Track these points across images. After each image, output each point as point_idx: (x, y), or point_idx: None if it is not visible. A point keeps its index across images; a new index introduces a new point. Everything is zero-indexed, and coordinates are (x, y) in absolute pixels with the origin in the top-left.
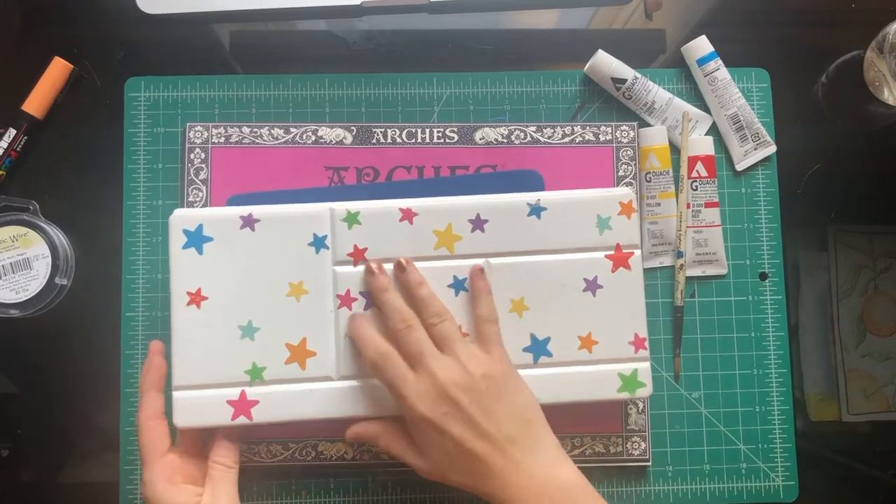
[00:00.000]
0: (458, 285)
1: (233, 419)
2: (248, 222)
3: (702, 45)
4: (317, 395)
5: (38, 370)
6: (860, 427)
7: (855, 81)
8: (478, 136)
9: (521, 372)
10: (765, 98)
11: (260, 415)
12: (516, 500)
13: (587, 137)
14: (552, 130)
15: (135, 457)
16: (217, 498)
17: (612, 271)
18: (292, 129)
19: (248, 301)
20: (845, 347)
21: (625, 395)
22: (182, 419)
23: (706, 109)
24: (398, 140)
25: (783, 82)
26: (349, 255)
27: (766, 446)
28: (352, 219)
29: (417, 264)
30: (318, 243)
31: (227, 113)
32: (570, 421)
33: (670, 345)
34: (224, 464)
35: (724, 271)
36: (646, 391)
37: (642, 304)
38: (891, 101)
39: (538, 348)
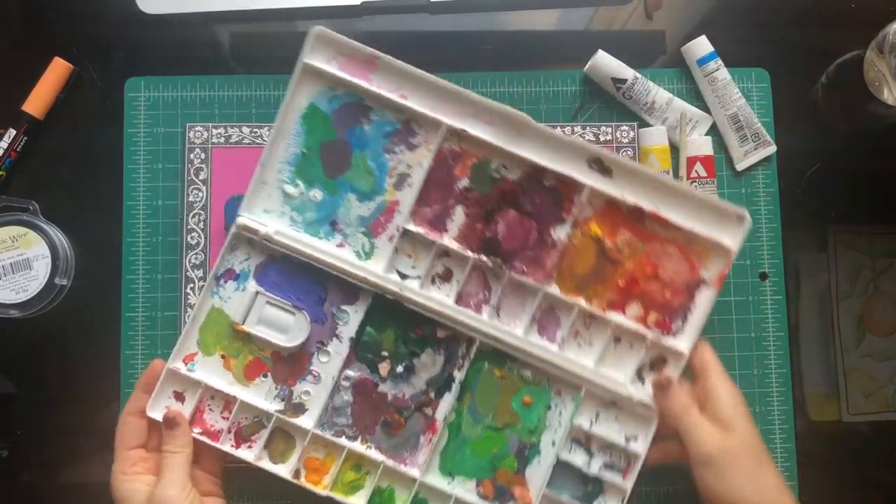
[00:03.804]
0: None
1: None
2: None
3: (702, 46)
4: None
5: (38, 370)
6: (860, 427)
7: (855, 81)
8: None
9: None
10: (765, 98)
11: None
12: None
13: (587, 138)
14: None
15: None
16: (165, 484)
17: None
18: None
19: None
20: (845, 348)
21: None
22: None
23: (706, 109)
24: None
25: (783, 82)
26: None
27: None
28: None
29: None
30: None
31: (227, 113)
32: None
33: None
34: (170, 450)
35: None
36: None
37: None
38: (891, 101)
39: None
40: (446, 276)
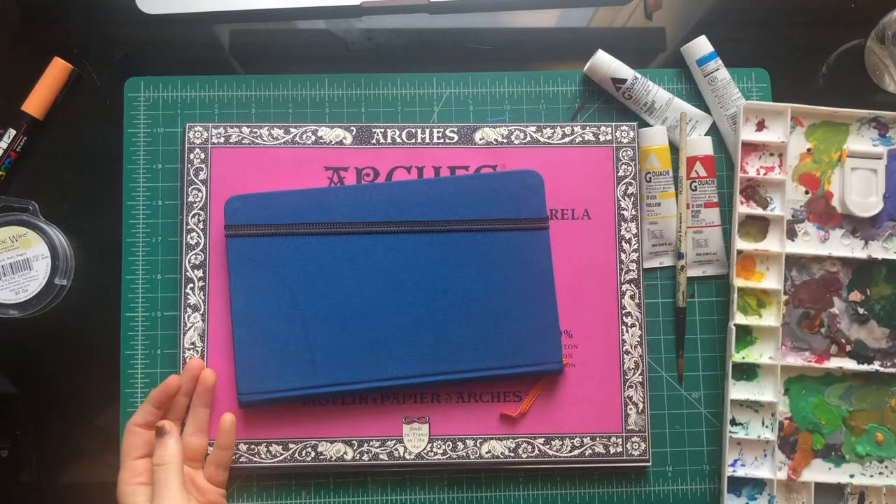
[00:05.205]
0: None
1: None
2: None
3: (701, 45)
4: None
5: (38, 370)
6: None
7: (856, 70)
8: (478, 136)
9: None
10: (765, 98)
11: None
12: None
13: (587, 137)
14: (552, 130)
15: None
16: (162, 500)
17: None
18: (292, 129)
19: None
20: None
21: None
22: None
23: (706, 109)
24: (398, 140)
25: (783, 82)
26: None
27: None
28: None
29: None
30: None
31: (227, 113)
32: (570, 421)
33: (671, 345)
34: (159, 463)
35: (724, 271)
36: None
37: None
38: (892, 89)
39: None
40: None
